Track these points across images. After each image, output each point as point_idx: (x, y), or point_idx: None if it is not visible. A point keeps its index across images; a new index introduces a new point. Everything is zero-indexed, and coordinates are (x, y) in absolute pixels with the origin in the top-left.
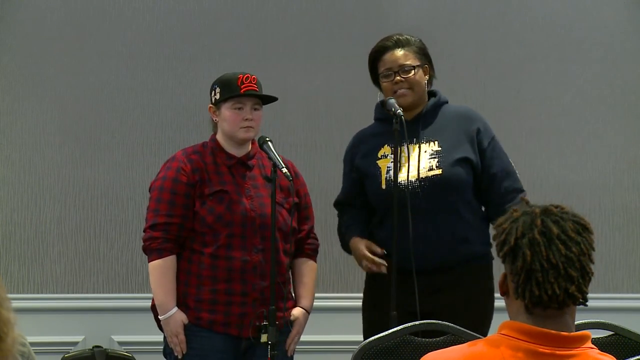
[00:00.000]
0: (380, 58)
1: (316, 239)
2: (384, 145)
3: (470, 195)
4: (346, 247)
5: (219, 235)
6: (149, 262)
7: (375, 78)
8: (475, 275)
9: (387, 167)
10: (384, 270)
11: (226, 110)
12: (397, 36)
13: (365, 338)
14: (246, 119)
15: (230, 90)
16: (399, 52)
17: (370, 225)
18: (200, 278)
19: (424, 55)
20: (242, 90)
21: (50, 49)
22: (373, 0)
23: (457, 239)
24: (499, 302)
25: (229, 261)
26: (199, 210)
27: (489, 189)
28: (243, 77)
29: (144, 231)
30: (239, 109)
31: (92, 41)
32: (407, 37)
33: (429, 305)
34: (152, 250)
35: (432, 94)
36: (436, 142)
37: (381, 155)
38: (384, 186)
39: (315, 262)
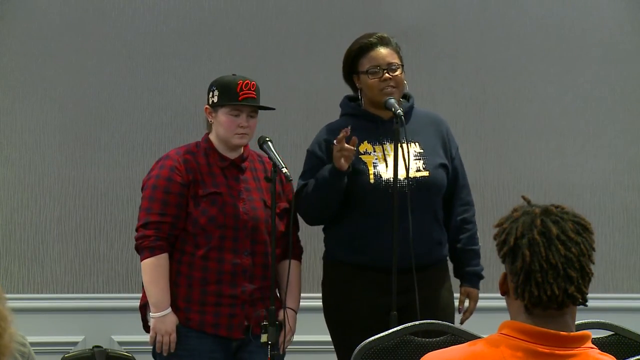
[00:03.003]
0: (365, 55)
1: (299, 242)
2: (363, 141)
3: (441, 200)
4: (317, 187)
5: (211, 237)
6: (141, 260)
7: (350, 74)
8: (441, 274)
9: (373, 162)
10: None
11: (222, 116)
12: (379, 34)
13: (336, 341)
14: (242, 126)
15: (229, 96)
16: (385, 50)
17: (345, 219)
18: (190, 279)
19: (400, 57)
20: (240, 98)
21: (50, 49)
22: (373, 0)
23: (434, 241)
24: (497, 302)
25: (220, 263)
26: (192, 212)
27: (452, 198)
28: (242, 83)
29: (136, 230)
30: (236, 115)
31: (92, 41)
32: (388, 36)
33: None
34: (144, 249)
35: (404, 96)
36: (417, 144)
37: (363, 151)
38: (372, 180)
39: (300, 263)
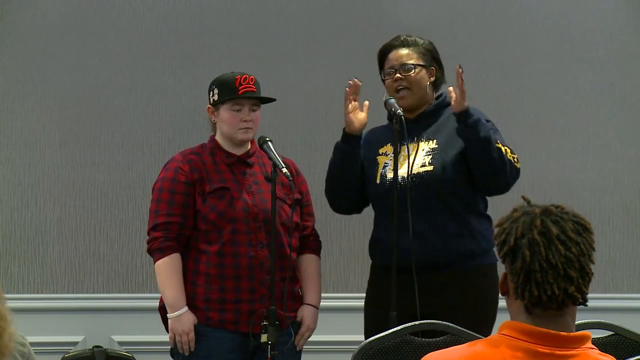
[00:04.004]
0: (386, 57)
1: (318, 236)
2: (387, 143)
3: (467, 193)
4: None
5: (223, 231)
6: (154, 263)
7: (383, 77)
8: (473, 276)
9: (385, 163)
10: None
11: (225, 112)
12: (406, 36)
13: (367, 337)
14: (244, 121)
15: (229, 91)
16: (403, 51)
17: (373, 224)
18: (208, 277)
19: (431, 57)
20: (240, 92)
21: (50, 49)
22: (373, 0)
23: (448, 235)
24: (501, 304)
25: (236, 258)
26: (200, 209)
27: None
28: (241, 77)
29: (147, 234)
30: (238, 110)
31: (92, 41)
32: (416, 38)
33: (426, 308)
34: (154, 251)
35: (439, 96)
36: (434, 140)
37: (382, 152)
38: (378, 180)
39: (320, 257)
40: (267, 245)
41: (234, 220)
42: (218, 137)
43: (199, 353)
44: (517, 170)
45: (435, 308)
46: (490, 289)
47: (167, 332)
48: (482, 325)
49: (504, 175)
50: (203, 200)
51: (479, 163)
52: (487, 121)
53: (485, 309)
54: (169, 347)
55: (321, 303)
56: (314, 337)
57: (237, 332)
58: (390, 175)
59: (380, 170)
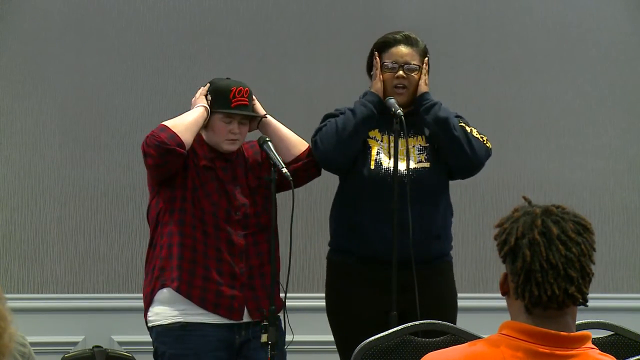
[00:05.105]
0: (388, 50)
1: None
2: (375, 128)
3: (449, 196)
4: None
5: (205, 211)
6: (164, 130)
7: (372, 67)
8: (442, 273)
9: (377, 149)
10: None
11: (214, 121)
12: (408, 33)
13: (339, 342)
14: (232, 133)
15: (221, 103)
16: (408, 49)
17: (345, 205)
18: (194, 253)
19: (425, 60)
20: (232, 105)
21: (50, 49)
22: (373, 0)
23: (431, 236)
24: (497, 302)
25: (217, 241)
26: (194, 178)
27: None
28: (236, 90)
29: (146, 140)
30: (228, 122)
31: (92, 41)
32: (417, 37)
33: (400, 305)
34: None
35: None
36: (423, 137)
37: (372, 136)
38: (372, 166)
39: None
40: (244, 237)
41: (217, 206)
42: (203, 133)
43: (183, 352)
44: (487, 149)
45: (405, 306)
46: (452, 282)
47: (145, 320)
48: (453, 319)
49: (472, 151)
50: (197, 172)
51: (443, 141)
52: (458, 116)
53: (452, 304)
54: (150, 347)
55: (321, 303)
56: (314, 338)
57: (221, 329)
58: (385, 164)
59: (374, 155)
